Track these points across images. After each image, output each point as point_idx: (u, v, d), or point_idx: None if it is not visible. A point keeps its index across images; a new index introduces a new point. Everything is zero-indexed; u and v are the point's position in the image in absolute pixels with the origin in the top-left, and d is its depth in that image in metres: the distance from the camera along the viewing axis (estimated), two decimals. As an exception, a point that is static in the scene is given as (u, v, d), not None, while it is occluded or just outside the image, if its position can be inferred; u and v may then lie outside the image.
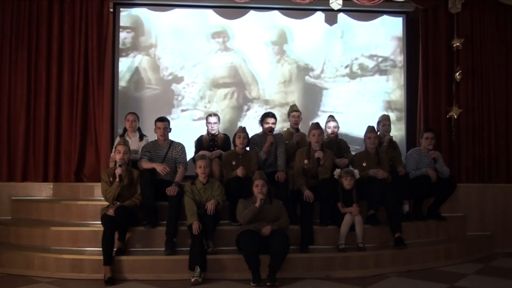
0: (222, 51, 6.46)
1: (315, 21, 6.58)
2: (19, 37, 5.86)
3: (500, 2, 6.19)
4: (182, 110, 6.39)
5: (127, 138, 5.31)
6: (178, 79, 6.40)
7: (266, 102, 6.48)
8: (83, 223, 5.04)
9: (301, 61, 6.56)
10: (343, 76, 6.61)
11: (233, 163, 5.00)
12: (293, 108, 5.67)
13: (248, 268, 4.22)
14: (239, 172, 4.83)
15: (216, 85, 6.44)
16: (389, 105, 6.64)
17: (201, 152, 5.12)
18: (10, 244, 4.90)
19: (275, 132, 5.33)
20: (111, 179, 4.63)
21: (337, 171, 4.95)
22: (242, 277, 4.33)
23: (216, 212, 4.50)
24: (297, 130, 5.62)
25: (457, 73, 6.14)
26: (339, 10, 6.26)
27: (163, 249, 4.51)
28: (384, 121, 5.63)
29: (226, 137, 5.46)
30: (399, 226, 4.85)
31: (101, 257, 4.28)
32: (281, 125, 5.92)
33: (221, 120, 5.65)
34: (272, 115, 5.33)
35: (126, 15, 6.37)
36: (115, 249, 4.44)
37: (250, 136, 5.25)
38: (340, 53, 6.62)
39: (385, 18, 6.67)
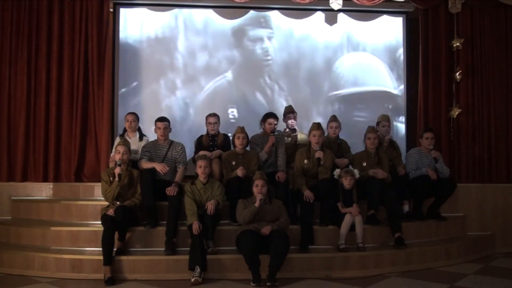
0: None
1: (314, 21, 6.59)
2: (19, 37, 5.86)
3: (500, 2, 6.19)
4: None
5: (127, 138, 5.31)
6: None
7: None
8: (83, 223, 5.04)
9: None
10: (343, 75, 6.62)
11: (233, 163, 5.00)
12: (289, 109, 5.67)
13: (248, 268, 4.22)
14: (239, 172, 4.83)
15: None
16: (389, 105, 6.64)
17: (201, 152, 5.12)
18: (10, 244, 4.90)
19: (275, 132, 5.33)
20: (111, 179, 4.64)
21: (337, 171, 4.95)
22: (242, 277, 4.33)
23: (216, 212, 4.50)
24: (294, 130, 5.62)
25: (457, 73, 6.15)
26: (339, 10, 6.27)
27: (163, 249, 4.51)
28: (384, 121, 5.63)
29: (226, 137, 5.45)
30: (399, 226, 4.85)
31: (101, 257, 4.28)
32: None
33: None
34: (274, 116, 5.33)
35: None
36: (115, 249, 4.44)
37: (250, 136, 5.26)
38: (340, 52, 6.62)
39: (385, 18, 6.67)
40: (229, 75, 6.47)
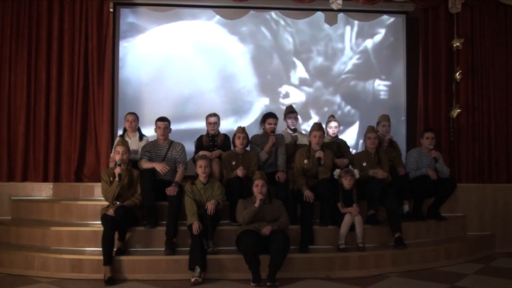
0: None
1: (315, 21, 6.60)
2: (19, 37, 5.87)
3: (500, 2, 6.19)
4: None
5: (127, 138, 5.32)
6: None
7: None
8: (83, 223, 5.04)
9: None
10: (342, 75, 6.62)
11: (233, 163, 5.00)
12: (290, 109, 5.68)
13: (248, 268, 4.22)
14: (239, 172, 4.83)
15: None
16: (389, 105, 6.63)
17: (201, 152, 5.12)
18: (10, 244, 4.91)
19: (276, 132, 5.34)
20: (111, 178, 4.64)
21: (337, 171, 4.96)
22: (242, 277, 4.33)
23: (216, 212, 4.50)
24: (295, 130, 5.63)
25: (457, 73, 6.15)
26: (339, 10, 6.27)
27: (163, 249, 4.51)
28: (384, 121, 5.63)
29: (226, 137, 5.46)
30: (399, 226, 4.85)
31: (101, 257, 4.28)
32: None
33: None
34: (274, 116, 5.33)
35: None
36: (115, 249, 4.44)
37: (250, 136, 5.27)
38: (340, 52, 6.63)
39: (385, 18, 6.67)
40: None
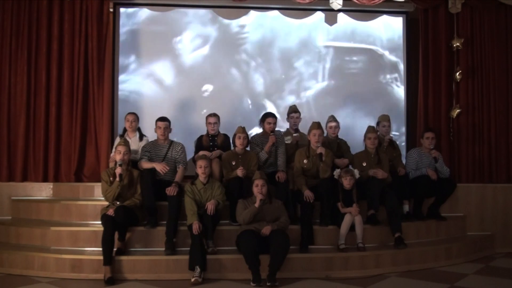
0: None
1: (314, 20, 6.60)
2: (19, 37, 5.87)
3: (500, 2, 6.20)
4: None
5: (127, 138, 5.32)
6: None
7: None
8: (83, 223, 5.04)
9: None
10: (342, 76, 6.62)
11: (233, 163, 5.00)
12: (293, 109, 5.67)
13: (248, 268, 4.22)
14: (239, 172, 4.83)
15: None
16: (389, 105, 6.63)
17: (201, 152, 5.12)
18: (10, 244, 4.90)
19: (276, 132, 5.33)
20: (111, 179, 4.64)
21: (337, 171, 4.96)
22: (242, 277, 4.33)
23: (216, 212, 4.51)
24: (296, 130, 5.63)
25: (457, 73, 6.15)
26: (339, 10, 6.27)
27: (163, 249, 4.52)
28: (384, 121, 5.63)
29: (226, 137, 5.45)
30: (399, 226, 4.85)
31: (101, 257, 4.28)
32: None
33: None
34: (273, 115, 5.34)
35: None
36: (115, 249, 4.44)
37: (250, 136, 5.28)
38: (340, 52, 6.63)
39: (385, 18, 6.67)
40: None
